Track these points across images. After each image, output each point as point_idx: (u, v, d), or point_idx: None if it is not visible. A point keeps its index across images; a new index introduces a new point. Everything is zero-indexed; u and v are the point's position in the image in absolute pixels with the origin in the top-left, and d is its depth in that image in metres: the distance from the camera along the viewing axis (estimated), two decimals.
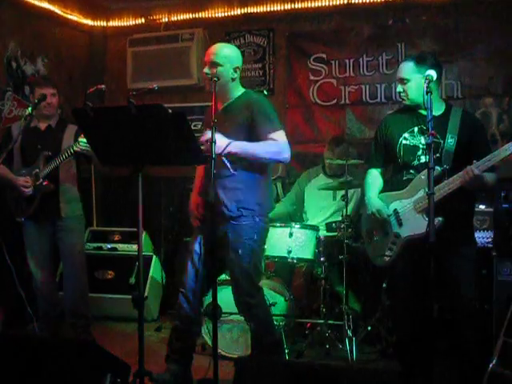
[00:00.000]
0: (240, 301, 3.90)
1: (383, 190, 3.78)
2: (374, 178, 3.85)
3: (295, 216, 5.62)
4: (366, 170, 3.95)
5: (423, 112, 3.52)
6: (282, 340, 4.42)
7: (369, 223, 3.83)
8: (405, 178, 3.62)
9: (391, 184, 3.75)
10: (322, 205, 5.49)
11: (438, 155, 3.48)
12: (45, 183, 4.62)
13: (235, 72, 3.81)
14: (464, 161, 3.39)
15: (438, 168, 3.39)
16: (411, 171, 3.59)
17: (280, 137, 3.72)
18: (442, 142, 3.50)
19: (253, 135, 3.71)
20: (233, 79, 3.80)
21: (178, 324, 4.03)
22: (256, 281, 3.88)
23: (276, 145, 3.70)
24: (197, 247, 3.94)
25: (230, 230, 3.80)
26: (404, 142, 3.62)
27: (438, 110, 3.58)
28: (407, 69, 3.59)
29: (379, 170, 3.86)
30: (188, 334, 4.05)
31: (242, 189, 3.78)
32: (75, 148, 4.47)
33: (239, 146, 3.60)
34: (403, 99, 3.65)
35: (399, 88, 3.64)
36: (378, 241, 3.74)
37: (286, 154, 3.71)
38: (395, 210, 3.62)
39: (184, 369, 4.03)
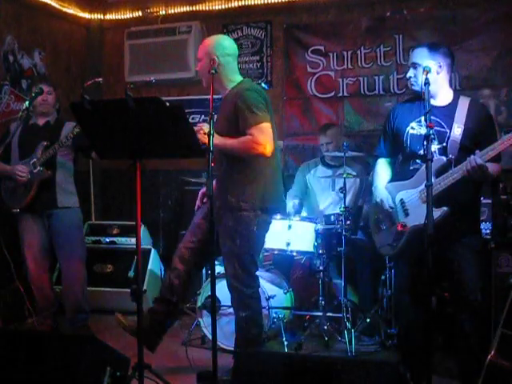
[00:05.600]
0: (235, 290, 3.93)
1: (391, 180, 3.78)
2: (383, 168, 3.85)
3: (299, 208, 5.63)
4: (375, 160, 3.95)
5: (431, 102, 3.50)
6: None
7: (376, 213, 3.83)
8: (411, 168, 3.62)
9: (399, 174, 3.76)
10: (320, 195, 5.50)
11: (444, 144, 3.48)
12: (41, 170, 4.62)
13: (212, 63, 3.79)
14: (470, 150, 3.38)
15: (443, 158, 3.41)
16: (417, 161, 3.59)
17: (259, 131, 3.69)
18: (448, 131, 3.49)
19: (238, 127, 3.75)
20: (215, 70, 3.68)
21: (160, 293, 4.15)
22: (252, 271, 3.94)
23: (249, 141, 3.69)
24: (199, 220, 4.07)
25: (227, 219, 3.86)
26: (411, 131, 3.62)
27: (446, 99, 3.58)
28: (420, 54, 3.56)
29: (388, 159, 3.86)
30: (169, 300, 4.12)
31: (239, 180, 3.84)
32: (75, 132, 4.49)
33: (219, 139, 3.61)
34: (412, 84, 3.61)
35: (410, 73, 3.60)
36: (385, 230, 3.74)
37: (261, 148, 3.68)
38: (401, 199, 3.62)
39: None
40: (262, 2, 6.45)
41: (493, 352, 3.59)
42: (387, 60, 6.08)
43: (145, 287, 5.67)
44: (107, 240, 6.27)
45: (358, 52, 6.20)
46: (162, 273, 6.15)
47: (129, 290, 3.22)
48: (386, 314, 4.85)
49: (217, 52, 3.87)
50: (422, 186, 3.49)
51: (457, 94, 3.69)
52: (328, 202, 5.45)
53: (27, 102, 4.60)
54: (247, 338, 3.94)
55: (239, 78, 3.99)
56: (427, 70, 3.27)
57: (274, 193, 3.98)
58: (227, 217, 3.85)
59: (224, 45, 3.94)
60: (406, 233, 3.56)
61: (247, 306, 3.94)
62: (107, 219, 6.60)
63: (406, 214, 3.58)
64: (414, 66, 3.58)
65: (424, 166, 3.48)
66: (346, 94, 6.27)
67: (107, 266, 6.07)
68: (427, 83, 3.20)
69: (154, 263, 6.06)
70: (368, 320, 4.90)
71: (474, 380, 3.44)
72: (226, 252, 3.90)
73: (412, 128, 3.61)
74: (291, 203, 5.60)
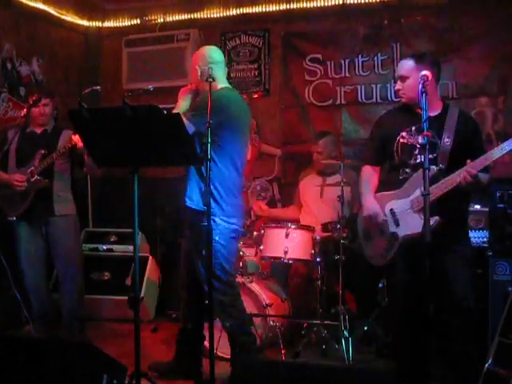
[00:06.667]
0: (214, 300, 3.92)
1: (379, 189, 3.78)
2: (370, 177, 3.84)
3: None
4: (361, 166, 3.94)
5: (421, 112, 3.52)
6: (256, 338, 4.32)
7: (365, 223, 3.82)
8: (401, 177, 3.62)
9: (387, 183, 3.74)
10: (312, 202, 5.52)
11: (434, 155, 3.49)
12: (39, 179, 4.63)
13: (198, 72, 3.99)
14: (460, 160, 3.40)
15: (433, 167, 3.41)
16: (407, 170, 3.59)
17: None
18: (438, 141, 3.50)
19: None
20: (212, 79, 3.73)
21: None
22: (225, 279, 3.93)
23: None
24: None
25: (191, 230, 3.96)
26: (401, 140, 3.62)
27: (435, 109, 3.59)
28: (406, 67, 3.59)
29: (374, 167, 3.86)
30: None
31: (196, 187, 3.92)
32: (73, 142, 4.51)
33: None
34: (401, 97, 3.64)
35: (398, 85, 3.64)
36: (375, 240, 3.74)
37: None
38: (391, 209, 3.62)
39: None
40: (260, 10, 6.47)
41: (490, 360, 3.59)
42: (385, 68, 6.09)
43: (142, 295, 5.67)
44: (104, 247, 6.27)
45: (356, 60, 6.21)
46: (160, 280, 6.14)
47: (126, 298, 3.22)
48: (383, 322, 4.85)
49: (200, 62, 4.02)
50: (413, 196, 3.50)
51: (446, 103, 3.69)
52: (314, 213, 5.45)
53: (25, 110, 4.61)
54: (239, 346, 3.96)
55: (222, 85, 4.05)
56: (424, 79, 3.27)
57: (232, 200, 3.98)
58: (192, 227, 3.94)
59: (206, 55, 4.07)
60: (397, 243, 3.56)
61: (229, 315, 3.96)
62: (104, 227, 6.59)
63: (397, 224, 3.58)
64: (402, 78, 3.61)
65: (414, 175, 3.51)
66: (343, 102, 6.28)
67: (104, 274, 6.06)
68: (424, 92, 3.21)
69: (151, 271, 6.05)
70: (365, 328, 4.90)
71: None
72: (198, 264, 3.94)
73: (402, 137, 3.62)
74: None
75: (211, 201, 3.79)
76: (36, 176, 4.63)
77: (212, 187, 3.83)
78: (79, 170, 4.90)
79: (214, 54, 4.10)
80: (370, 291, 5.08)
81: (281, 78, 6.55)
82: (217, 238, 3.85)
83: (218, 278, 3.88)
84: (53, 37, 6.65)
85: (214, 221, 3.85)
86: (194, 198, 3.92)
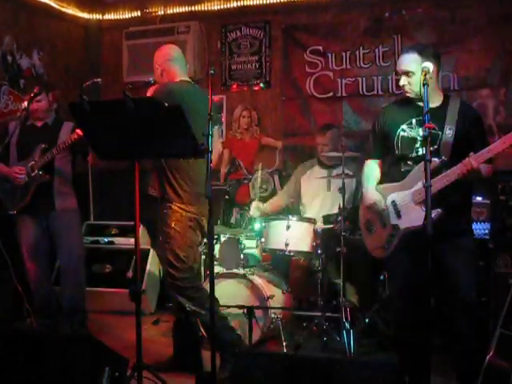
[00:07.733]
0: (174, 287, 4.00)
1: (381, 182, 3.77)
2: (372, 170, 3.83)
3: (293, 208, 5.63)
4: (364, 161, 3.93)
5: (421, 104, 3.50)
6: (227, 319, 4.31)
7: (367, 215, 3.81)
8: (403, 170, 3.60)
9: (389, 176, 3.73)
10: (316, 195, 5.49)
11: (436, 147, 3.46)
12: (40, 173, 4.63)
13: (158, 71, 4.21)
14: (462, 152, 3.37)
15: (435, 159, 3.38)
16: (409, 163, 3.57)
17: None
18: (440, 133, 3.48)
19: None
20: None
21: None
22: (179, 266, 3.96)
23: None
24: None
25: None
26: (402, 133, 3.60)
27: (436, 101, 3.56)
28: (412, 61, 3.49)
29: (377, 161, 3.84)
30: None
31: (158, 174, 4.01)
32: (72, 138, 4.50)
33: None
34: (407, 92, 3.54)
35: (403, 81, 3.52)
36: (377, 233, 3.73)
37: None
38: (393, 201, 3.60)
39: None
40: (261, 2, 6.46)
41: (492, 352, 3.58)
42: (386, 60, 6.08)
43: (143, 287, 5.67)
44: (106, 240, 6.27)
45: (357, 52, 6.21)
46: (161, 273, 6.14)
47: (127, 290, 3.22)
48: (384, 314, 4.84)
49: (159, 60, 4.22)
50: (415, 188, 3.48)
51: (447, 95, 3.66)
52: (324, 201, 5.43)
53: (26, 102, 4.60)
54: (213, 328, 3.96)
55: (181, 79, 4.16)
56: (426, 71, 3.24)
57: (191, 188, 3.99)
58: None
59: (163, 53, 4.26)
60: (399, 235, 3.55)
61: (188, 297, 3.99)
62: (106, 219, 6.59)
63: (398, 216, 3.57)
64: (407, 74, 3.52)
65: (416, 167, 3.49)
66: (344, 94, 6.28)
67: (106, 267, 6.07)
68: (426, 84, 3.19)
69: (152, 263, 6.05)
70: (367, 320, 4.90)
71: (472, 381, 3.43)
72: (159, 253, 4.05)
73: (403, 130, 3.59)
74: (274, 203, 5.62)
75: (168, 188, 3.95)
76: (36, 171, 4.63)
77: (169, 175, 3.95)
78: (82, 162, 4.90)
79: (170, 51, 4.27)
80: (371, 283, 5.08)
81: (282, 70, 6.55)
82: (173, 225, 3.93)
83: (172, 265, 3.96)
84: (53, 30, 6.65)
85: (171, 208, 3.94)
86: (155, 186, 4.02)
